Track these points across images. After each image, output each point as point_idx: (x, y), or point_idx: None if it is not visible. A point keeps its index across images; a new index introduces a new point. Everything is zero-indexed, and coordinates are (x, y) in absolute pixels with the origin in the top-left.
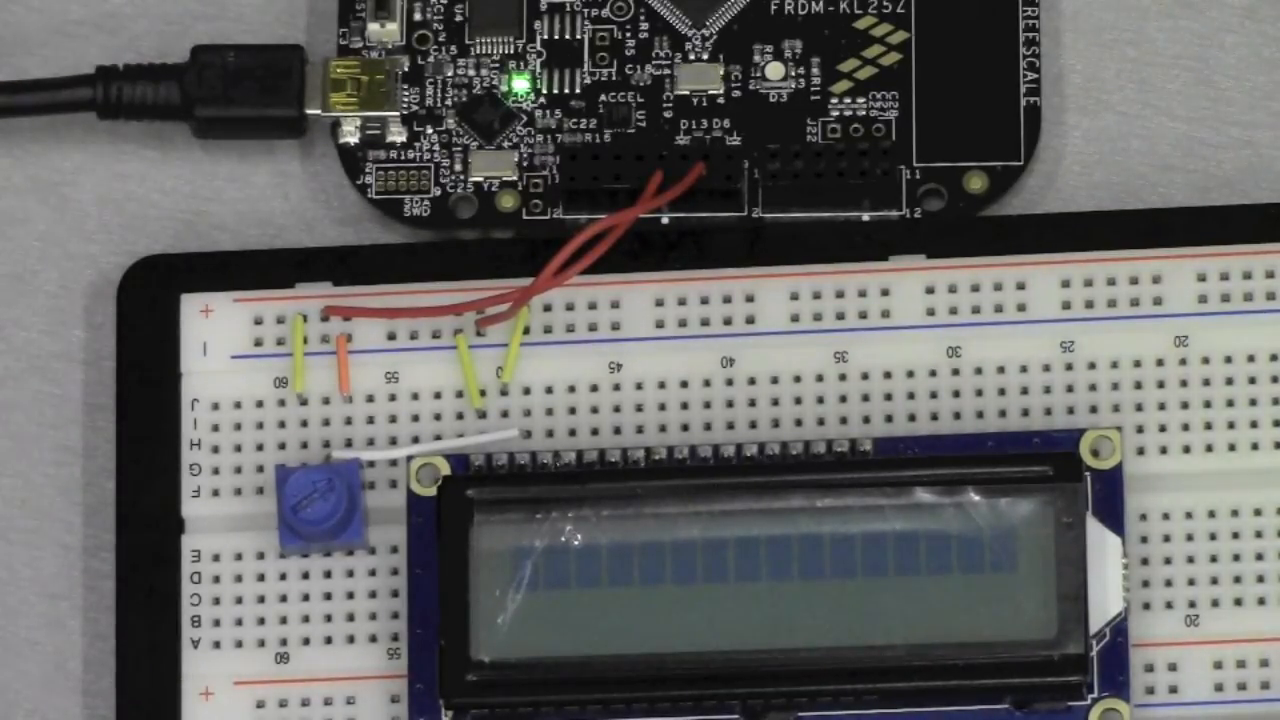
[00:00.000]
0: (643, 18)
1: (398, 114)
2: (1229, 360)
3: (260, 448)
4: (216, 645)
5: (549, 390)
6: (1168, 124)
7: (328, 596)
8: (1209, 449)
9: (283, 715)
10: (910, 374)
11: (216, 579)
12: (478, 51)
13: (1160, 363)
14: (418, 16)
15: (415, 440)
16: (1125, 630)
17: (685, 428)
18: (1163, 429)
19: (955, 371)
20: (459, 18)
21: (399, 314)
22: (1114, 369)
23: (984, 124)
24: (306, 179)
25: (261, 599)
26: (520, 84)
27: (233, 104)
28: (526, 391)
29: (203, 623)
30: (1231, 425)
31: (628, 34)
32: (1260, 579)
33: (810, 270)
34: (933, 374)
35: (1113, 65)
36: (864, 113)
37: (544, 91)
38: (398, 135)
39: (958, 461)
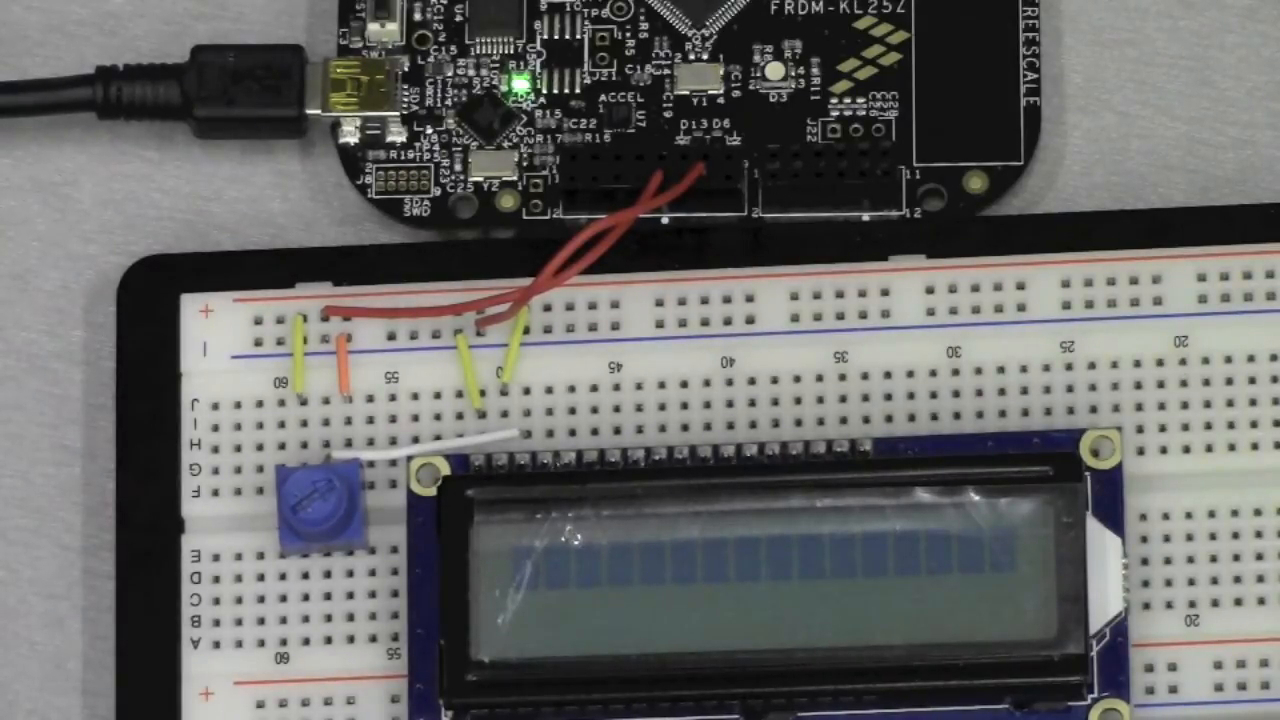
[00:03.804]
0: (643, 18)
1: (398, 114)
2: (1229, 360)
3: (260, 448)
4: (216, 645)
5: (549, 390)
6: (1168, 124)
7: (328, 596)
8: (1209, 449)
9: (283, 715)
10: (910, 374)
11: (216, 579)
12: (478, 51)
13: (1160, 363)
14: (418, 16)
15: (415, 440)
16: (1125, 630)
17: (685, 428)
18: (1163, 429)
19: (955, 371)
20: (459, 18)
21: (399, 314)
22: (1114, 369)
23: (984, 124)
24: (306, 179)
25: (261, 599)
26: (520, 84)
27: (233, 104)
28: (526, 391)
29: (203, 623)
30: (1231, 425)
31: (628, 34)
32: (1260, 579)
33: (810, 270)
34: (933, 374)
35: (1113, 65)
36: (864, 113)
37: (544, 91)
38: (398, 135)
39: (958, 461)
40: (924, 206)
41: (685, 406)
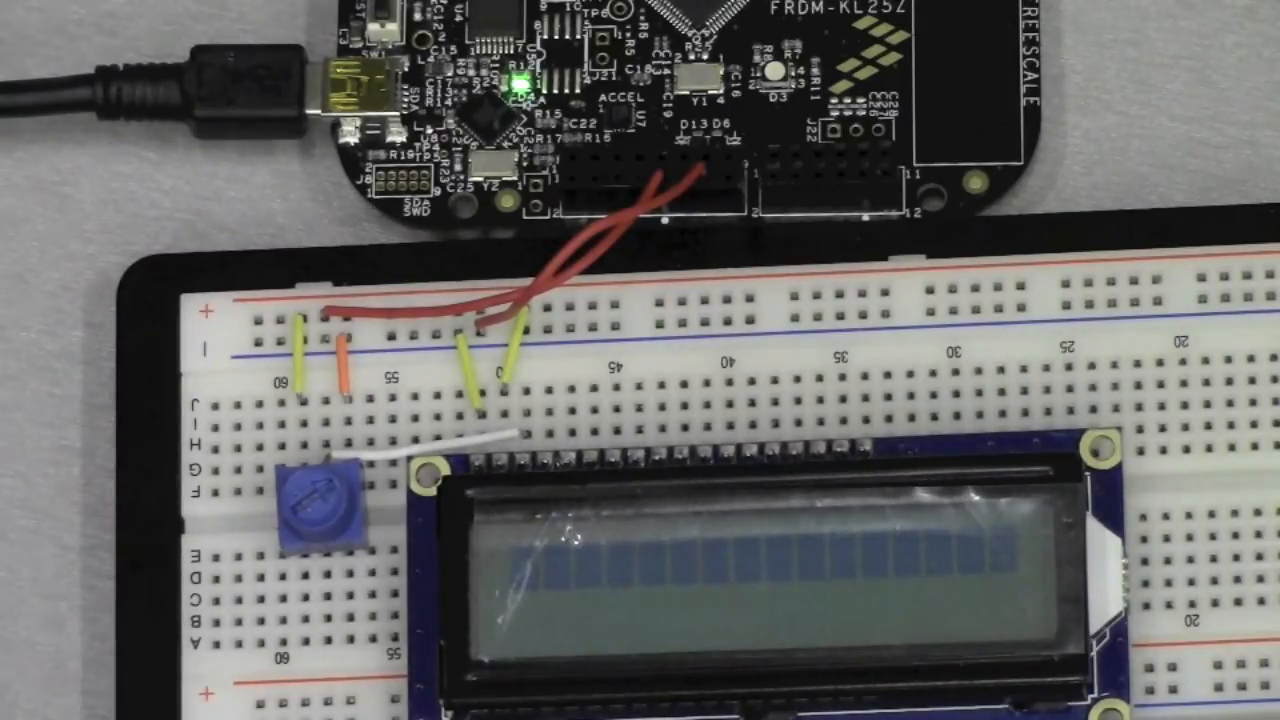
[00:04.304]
0: (643, 18)
1: (398, 114)
2: (1229, 360)
3: (260, 448)
4: (216, 645)
5: (549, 390)
6: (1168, 124)
7: (328, 596)
8: (1209, 449)
9: (283, 715)
10: (910, 374)
11: (216, 579)
12: (478, 51)
13: (1160, 363)
14: (418, 16)
15: (415, 440)
16: (1125, 630)
17: (685, 428)
18: (1163, 429)
19: (955, 371)
20: (459, 18)
21: (399, 314)
22: (1114, 369)
23: (984, 124)
24: (306, 179)
25: (261, 599)
26: (520, 84)
27: (233, 104)
28: (526, 391)
29: (203, 623)
30: (1231, 425)
31: (628, 34)
32: (1260, 579)
33: (810, 270)
34: (933, 374)
35: (1113, 65)
36: (864, 113)
37: (544, 91)
38: (398, 135)
39: (958, 461)
40: (924, 206)
41: (685, 406)
